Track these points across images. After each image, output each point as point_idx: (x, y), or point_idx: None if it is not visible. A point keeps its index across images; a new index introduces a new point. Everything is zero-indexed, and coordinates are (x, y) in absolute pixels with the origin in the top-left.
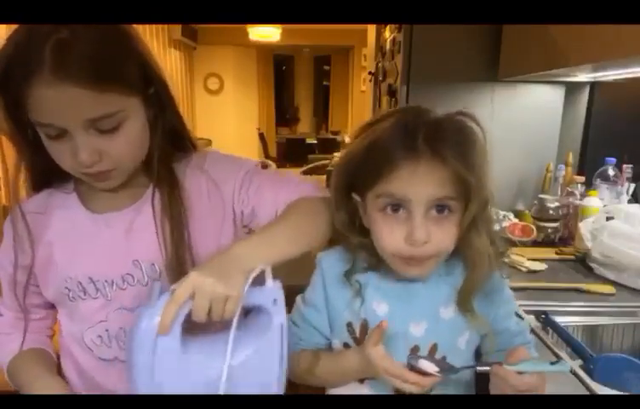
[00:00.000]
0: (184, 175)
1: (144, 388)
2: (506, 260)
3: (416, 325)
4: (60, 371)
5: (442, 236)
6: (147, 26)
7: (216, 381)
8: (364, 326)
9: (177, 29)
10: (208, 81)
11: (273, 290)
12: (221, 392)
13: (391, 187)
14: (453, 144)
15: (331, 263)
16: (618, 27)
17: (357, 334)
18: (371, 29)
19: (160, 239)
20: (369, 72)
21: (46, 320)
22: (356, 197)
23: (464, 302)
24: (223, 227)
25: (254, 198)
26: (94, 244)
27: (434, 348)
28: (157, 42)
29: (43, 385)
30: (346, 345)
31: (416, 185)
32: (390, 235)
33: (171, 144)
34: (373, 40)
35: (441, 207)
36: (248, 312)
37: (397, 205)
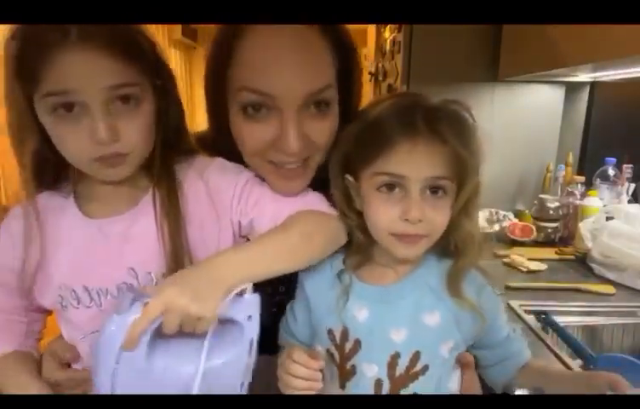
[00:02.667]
0: (184, 178)
1: (104, 392)
2: (506, 260)
3: (397, 331)
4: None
5: (436, 216)
6: (147, 26)
7: (180, 387)
8: (344, 333)
9: (177, 29)
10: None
11: (250, 304)
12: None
13: (389, 164)
14: (451, 124)
15: (316, 267)
16: (618, 27)
17: (338, 341)
18: (371, 29)
19: (156, 247)
20: (369, 72)
21: (36, 323)
22: (349, 178)
23: (453, 287)
24: (221, 236)
25: (254, 209)
26: (90, 252)
27: (416, 356)
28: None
29: (21, 387)
30: (328, 351)
31: (414, 163)
32: (385, 213)
33: (173, 144)
34: (373, 40)
35: (435, 188)
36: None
37: (392, 184)
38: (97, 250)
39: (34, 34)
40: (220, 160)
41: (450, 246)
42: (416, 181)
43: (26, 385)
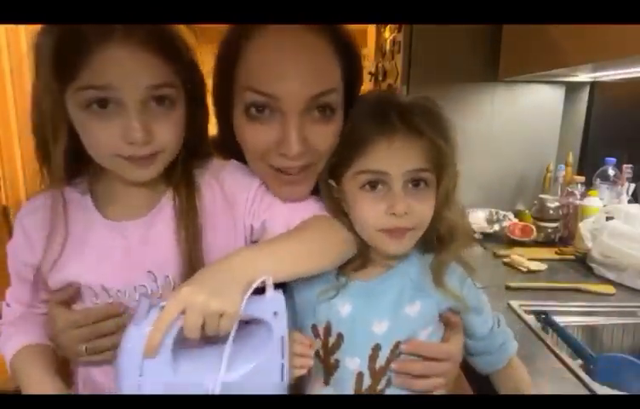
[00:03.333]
0: (201, 181)
1: None
2: (506, 260)
3: (379, 323)
4: (65, 368)
5: (421, 208)
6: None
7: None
8: (328, 328)
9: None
10: (208, 81)
11: (274, 301)
12: None
13: (369, 162)
14: (425, 117)
15: None
16: (618, 27)
17: (322, 336)
18: (371, 29)
19: (174, 250)
20: (369, 72)
21: None
22: (332, 183)
23: (437, 278)
24: (236, 240)
25: (266, 212)
26: (109, 253)
27: (397, 346)
28: None
29: (40, 387)
30: None
31: (393, 158)
32: (370, 210)
33: (195, 148)
34: (373, 40)
35: (417, 181)
36: (247, 322)
37: (374, 182)
38: (116, 253)
39: (75, 28)
40: (234, 163)
41: (432, 240)
42: (397, 175)
43: (42, 381)
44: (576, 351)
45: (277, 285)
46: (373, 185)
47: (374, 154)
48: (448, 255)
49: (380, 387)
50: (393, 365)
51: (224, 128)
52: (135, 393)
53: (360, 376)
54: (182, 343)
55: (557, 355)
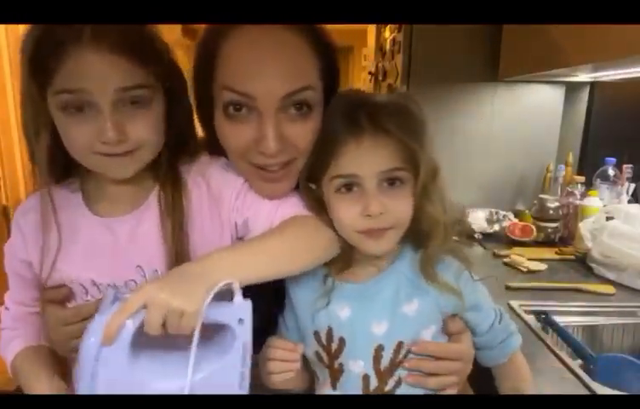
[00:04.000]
0: (187, 178)
1: (84, 391)
2: (506, 260)
3: (378, 324)
4: (65, 368)
5: (397, 206)
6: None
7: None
8: (329, 333)
9: (177, 29)
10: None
11: (240, 308)
12: None
13: (340, 167)
14: (393, 116)
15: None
16: (618, 27)
17: (324, 341)
18: (371, 29)
19: (161, 245)
20: (369, 72)
21: None
22: (311, 186)
23: (427, 272)
24: (222, 237)
25: (250, 209)
26: (99, 249)
27: (399, 346)
28: None
29: (41, 387)
30: (317, 354)
31: (364, 160)
32: (346, 212)
33: (180, 144)
34: (373, 40)
35: (392, 180)
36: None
37: (349, 184)
38: (105, 248)
39: (49, 32)
40: (223, 160)
41: (421, 236)
42: (369, 177)
43: (42, 382)
44: (576, 351)
45: (277, 296)
46: (348, 187)
47: (345, 157)
48: (434, 248)
49: (388, 388)
50: (406, 364)
51: (206, 128)
52: (90, 379)
53: (366, 378)
54: (147, 343)
55: (557, 355)
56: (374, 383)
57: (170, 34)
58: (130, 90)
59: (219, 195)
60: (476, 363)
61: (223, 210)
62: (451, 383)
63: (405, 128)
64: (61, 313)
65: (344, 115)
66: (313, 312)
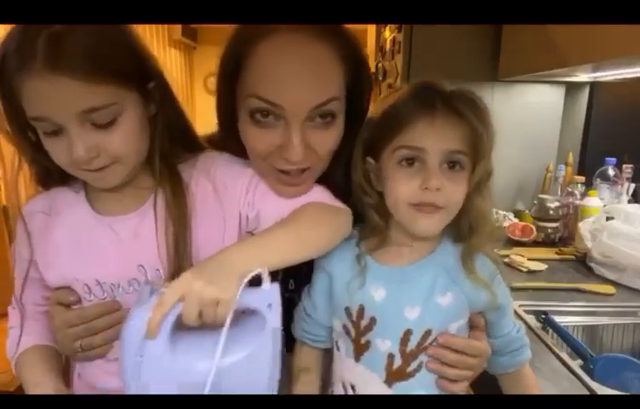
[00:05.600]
0: (190, 176)
1: (132, 388)
2: (506, 260)
3: (411, 309)
4: (67, 365)
5: (453, 188)
6: (147, 26)
7: (202, 384)
8: (361, 311)
9: (177, 29)
10: (208, 81)
11: (269, 293)
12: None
13: (409, 139)
14: (467, 103)
15: (336, 250)
16: (618, 27)
17: (354, 318)
18: (371, 29)
19: (162, 244)
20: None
21: None
22: (370, 160)
23: (467, 265)
24: (226, 233)
25: (260, 201)
26: (101, 248)
27: (428, 334)
28: (157, 42)
29: (42, 388)
30: (345, 327)
31: (432, 136)
32: (405, 184)
33: (174, 142)
34: (373, 40)
35: (452, 163)
36: (244, 312)
37: (412, 158)
38: (108, 247)
39: (7, 62)
40: (226, 155)
41: (464, 230)
42: (434, 153)
43: (43, 383)
44: (576, 351)
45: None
46: (410, 161)
47: (414, 131)
48: (478, 242)
49: (410, 369)
50: (429, 351)
51: (226, 128)
52: (135, 372)
53: (391, 357)
54: (182, 328)
55: (557, 355)
56: (397, 362)
57: (170, 34)
58: (92, 112)
59: (225, 191)
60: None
61: (231, 205)
62: (466, 377)
63: (476, 114)
64: (66, 315)
65: (418, 96)
66: (347, 287)
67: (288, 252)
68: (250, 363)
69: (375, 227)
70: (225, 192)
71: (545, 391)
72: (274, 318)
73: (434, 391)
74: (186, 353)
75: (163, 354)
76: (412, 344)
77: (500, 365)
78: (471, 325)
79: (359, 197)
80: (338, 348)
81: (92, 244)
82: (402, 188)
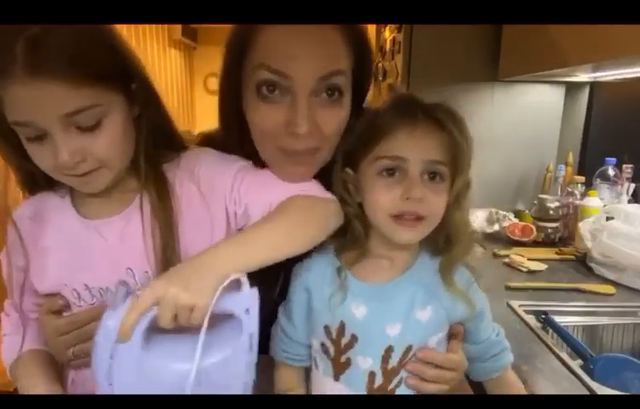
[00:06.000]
0: (174, 176)
1: (104, 390)
2: (506, 260)
3: (392, 326)
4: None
5: (434, 199)
6: (147, 26)
7: (176, 385)
8: (341, 328)
9: (177, 29)
10: (208, 81)
11: (248, 298)
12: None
13: (390, 148)
14: (447, 114)
15: (315, 265)
16: (618, 27)
17: (334, 336)
18: (371, 29)
19: (150, 247)
20: None
21: None
22: (349, 171)
23: (445, 277)
24: (214, 232)
25: (247, 196)
26: (89, 253)
27: (409, 349)
28: (157, 42)
29: (34, 389)
30: (323, 345)
31: (413, 146)
32: (386, 194)
33: (159, 142)
34: (373, 40)
35: (433, 173)
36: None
37: (392, 168)
38: (95, 251)
39: None
40: (208, 152)
41: (441, 243)
42: (415, 163)
43: (39, 387)
44: (576, 351)
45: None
46: (390, 172)
47: (395, 141)
48: (456, 255)
49: (391, 386)
50: (408, 366)
51: (227, 118)
52: (106, 374)
53: (372, 375)
54: (156, 331)
55: (557, 355)
56: (379, 380)
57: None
58: (76, 115)
59: (211, 189)
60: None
61: (217, 204)
62: (442, 391)
63: (456, 126)
64: (56, 323)
65: (398, 106)
66: (326, 304)
67: (277, 247)
68: (225, 366)
69: (356, 239)
70: (210, 192)
71: (545, 391)
72: (251, 323)
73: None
74: (160, 355)
75: (136, 356)
76: (393, 361)
77: (482, 372)
78: (450, 335)
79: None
80: (316, 366)
81: (79, 248)
82: (382, 199)
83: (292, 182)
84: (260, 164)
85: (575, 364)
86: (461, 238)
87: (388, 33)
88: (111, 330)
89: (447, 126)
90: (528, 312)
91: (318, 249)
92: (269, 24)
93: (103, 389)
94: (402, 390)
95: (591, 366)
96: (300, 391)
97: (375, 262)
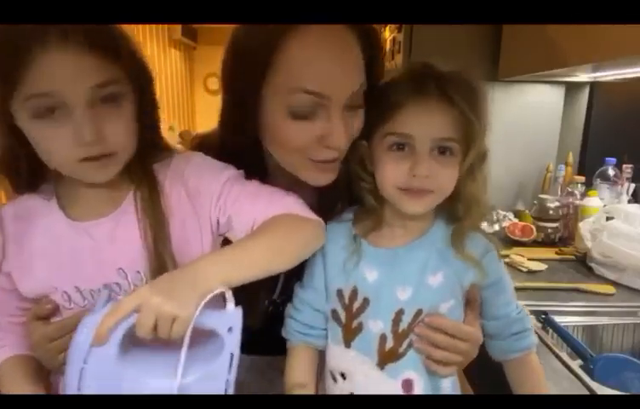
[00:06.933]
0: (164, 176)
1: (71, 392)
2: (506, 260)
3: (403, 289)
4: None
5: (443, 174)
6: (147, 26)
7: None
8: (354, 293)
9: (177, 29)
10: (208, 81)
11: (231, 316)
12: None
13: (399, 125)
14: (459, 88)
15: (331, 233)
16: (618, 27)
17: (347, 301)
18: None
19: (141, 246)
20: None
21: None
22: (363, 142)
23: (456, 245)
24: (203, 236)
25: (232, 207)
26: (78, 254)
27: (418, 313)
28: (157, 42)
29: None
30: (334, 312)
31: (422, 124)
32: (394, 169)
33: (151, 143)
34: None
35: (443, 148)
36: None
37: (402, 144)
38: (85, 253)
39: (11, 37)
40: (199, 156)
41: (458, 212)
42: (424, 140)
43: (24, 392)
44: (576, 351)
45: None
46: (400, 147)
47: (404, 118)
48: (468, 225)
49: (401, 349)
50: (416, 330)
51: (236, 127)
52: (78, 377)
53: (383, 338)
54: (135, 344)
55: (557, 355)
56: (389, 343)
57: (170, 34)
58: (103, 87)
59: (197, 193)
60: (477, 360)
61: (203, 208)
62: (455, 361)
63: (469, 100)
64: (44, 330)
65: (411, 79)
66: (340, 269)
67: (262, 263)
68: (202, 386)
69: (370, 209)
70: (197, 196)
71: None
72: (233, 343)
73: (423, 372)
74: (136, 370)
75: (110, 365)
76: (404, 324)
77: (501, 350)
78: (466, 305)
79: (355, 178)
80: (325, 336)
81: (69, 251)
82: (390, 173)
83: (316, 185)
84: (256, 173)
85: (575, 364)
86: (476, 208)
87: (388, 33)
88: (87, 334)
89: (457, 102)
90: (528, 312)
91: (335, 217)
92: (299, 33)
93: (71, 391)
94: (412, 354)
95: (591, 366)
96: (310, 387)
97: (390, 230)
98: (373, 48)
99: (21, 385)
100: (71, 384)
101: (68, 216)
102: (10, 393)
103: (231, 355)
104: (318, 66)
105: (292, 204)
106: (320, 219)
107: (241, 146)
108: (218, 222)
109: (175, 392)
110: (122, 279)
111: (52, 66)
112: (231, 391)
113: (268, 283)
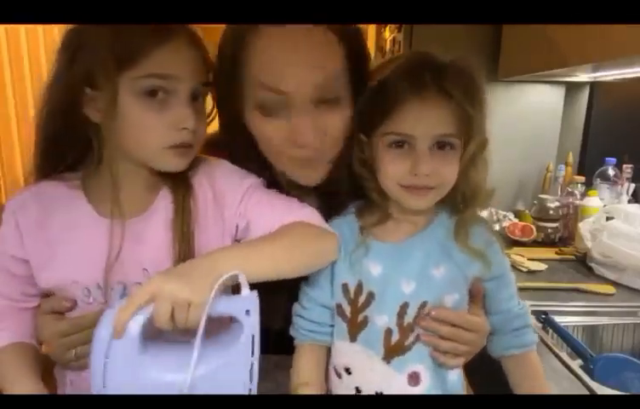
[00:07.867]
0: (194, 180)
1: (98, 390)
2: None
3: (407, 282)
4: (49, 368)
5: (444, 169)
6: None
7: (173, 391)
8: (359, 287)
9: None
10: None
11: (247, 299)
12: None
13: (397, 125)
14: (457, 81)
15: (336, 227)
16: (618, 27)
17: (352, 295)
18: (371, 29)
19: (169, 248)
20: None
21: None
22: (362, 137)
23: (459, 236)
24: (225, 240)
25: (251, 213)
26: (104, 251)
27: (423, 306)
28: None
29: (20, 388)
30: (339, 307)
31: (421, 122)
32: (395, 167)
33: None
34: (373, 40)
35: (443, 144)
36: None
37: (401, 142)
38: (112, 251)
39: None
40: (225, 164)
41: (458, 202)
42: (423, 138)
43: (24, 383)
44: (576, 351)
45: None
46: (399, 145)
47: (403, 117)
48: (471, 214)
49: (408, 342)
50: (421, 323)
51: (228, 123)
52: (101, 373)
53: (388, 332)
54: (155, 338)
55: (557, 355)
56: (395, 337)
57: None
58: (204, 85)
59: (223, 199)
60: (477, 360)
61: (225, 212)
62: (463, 352)
63: (467, 93)
64: (58, 326)
65: (408, 73)
66: (346, 263)
67: (273, 265)
68: (226, 372)
69: (375, 203)
70: (222, 201)
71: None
72: (252, 324)
73: (430, 364)
74: (156, 359)
75: (131, 357)
76: (409, 317)
77: (501, 346)
78: (470, 297)
79: (358, 172)
80: (332, 333)
81: (94, 246)
82: (392, 170)
83: (308, 185)
84: (260, 174)
85: (575, 364)
86: (477, 196)
87: (388, 33)
88: (107, 328)
89: (456, 97)
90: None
91: (341, 212)
92: (265, 27)
93: (96, 390)
94: (418, 347)
95: (591, 366)
96: (317, 386)
97: (394, 224)
98: (352, 38)
99: (18, 376)
100: (96, 382)
101: (98, 211)
102: (6, 382)
103: (252, 337)
104: (273, 61)
105: (309, 215)
106: (336, 233)
107: (239, 146)
108: (237, 227)
109: (188, 385)
110: (145, 279)
111: (176, 52)
112: (255, 378)
113: (289, 284)
